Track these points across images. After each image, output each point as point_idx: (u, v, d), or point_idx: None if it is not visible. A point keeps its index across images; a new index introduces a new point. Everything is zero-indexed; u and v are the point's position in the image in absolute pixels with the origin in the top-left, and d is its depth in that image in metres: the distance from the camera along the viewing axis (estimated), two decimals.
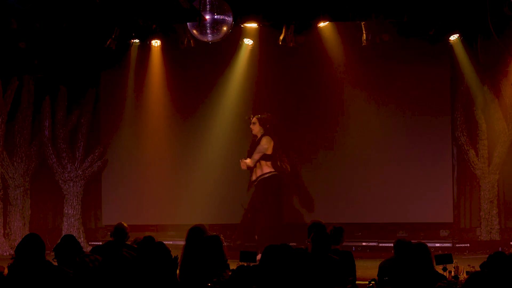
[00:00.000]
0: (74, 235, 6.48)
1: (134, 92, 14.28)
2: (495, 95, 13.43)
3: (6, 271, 6.70)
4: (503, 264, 5.79)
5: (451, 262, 7.32)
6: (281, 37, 12.63)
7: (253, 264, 6.90)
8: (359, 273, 7.48)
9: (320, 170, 13.77)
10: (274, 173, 12.65)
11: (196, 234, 7.26)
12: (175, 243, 11.74)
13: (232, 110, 13.90)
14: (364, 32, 12.43)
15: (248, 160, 12.68)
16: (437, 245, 13.22)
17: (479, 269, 6.28)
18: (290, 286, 5.75)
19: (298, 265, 5.82)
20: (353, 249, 13.12)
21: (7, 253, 13.44)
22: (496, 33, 10.71)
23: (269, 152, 12.66)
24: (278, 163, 12.69)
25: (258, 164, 12.67)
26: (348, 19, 12.32)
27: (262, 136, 12.74)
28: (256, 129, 12.77)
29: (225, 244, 7.78)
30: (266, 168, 12.67)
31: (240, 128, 13.54)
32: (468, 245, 13.40)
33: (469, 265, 7.43)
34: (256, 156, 12.65)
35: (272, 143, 12.69)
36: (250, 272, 5.94)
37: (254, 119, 12.77)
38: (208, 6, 9.38)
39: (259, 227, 12.49)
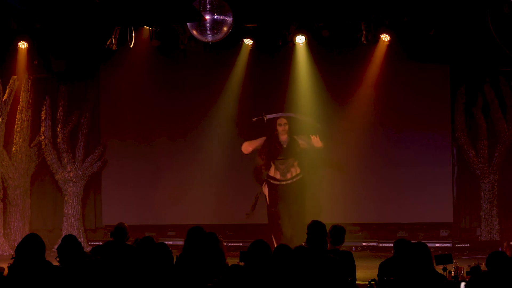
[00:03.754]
0: (74, 235, 6.46)
1: (134, 92, 14.28)
2: (495, 95, 13.44)
3: (6, 271, 6.71)
4: (502, 264, 5.79)
5: (451, 262, 7.33)
6: (282, 37, 12.69)
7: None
8: (359, 273, 7.47)
9: (320, 170, 13.76)
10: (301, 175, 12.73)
11: (196, 234, 7.25)
12: (175, 243, 11.76)
13: (233, 110, 13.90)
14: (364, 32, 12.43)
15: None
16: (437, 245, 13.23)
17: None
18: (287, 285, 5.76)
19: (281, 261, 5.87)
20: (353, 249, 13.12)
21: (7, 253, 13.44)
22: (496, 33, 10.71)
23: None
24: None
25: (295, 163, 12.66)
26: (348, 19, 12.34)
27: (290, 136, 12.70)
28: (287, 129, 12.68)
29: (225, 244, 7.79)
30: (297, 169, 12.71)
31: (242, 127, 13.55)
32: (468, 245, 13.40)
33: (469, 265, 7.45)
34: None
35: None
36: (244, 272, 5.94)
37: (284, 120, 12.67)
38: (208, 6, 9.38)
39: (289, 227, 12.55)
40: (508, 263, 5.82)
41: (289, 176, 12.60)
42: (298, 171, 12.70)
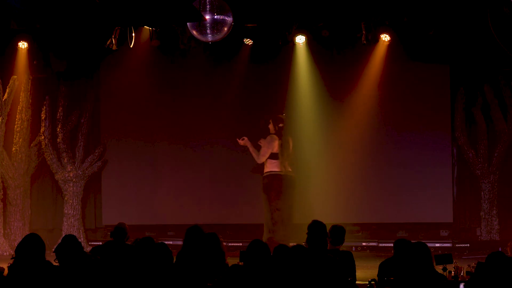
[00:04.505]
0: (74, 235, 6.46)
1: (134, 92, 14.28)
2: (495, 95, 13.44)
3: (6, 271, 6.70)
4: (501, 265, 5.79)
5: (451, 262, 7.32)
6: (282, 37, 12.72)
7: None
8: (359, 273, 7.47)
9: (320, 170, 13.76)
10: (278, 173, 12.72)
11: (195, 233, 7.25)
12: (175, 243, 11.76)
13: (233, 110, 13.90)
14: (364, 32, 12.44)
15: (245, 140, 12.78)
16: (437, 245, 13.22)
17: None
18: (287, 285, 5.76)
19: (280, 261, 5.87)
20: (353, 249, 13.12)
21: (7, 253, 13.44)
22: (496, 33, 10.71)
23: (275, 150, 12.76)
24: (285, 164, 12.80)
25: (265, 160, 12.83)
26: (348, 19, 12.34)
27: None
28: (271, 128, 12.91)
29: (224, 244, 7.79)
30: (271, 167, 12.77)
31: (241, 127, 13.55)
32: (468, 245, 13.40)
33: (469, 265, 7.44)
34: (262, 151, 12.75)
35: (276, 142, 12.78)
36: (244, 272, 5.94)
37: (270, 120, 12.95)
38: (208, 6, 9.38)
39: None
40: (507, 263, 5.82)
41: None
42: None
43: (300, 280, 5.78)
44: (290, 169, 12.86)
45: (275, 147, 12.80)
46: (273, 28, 12.82)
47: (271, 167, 12.78)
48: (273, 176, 12.77)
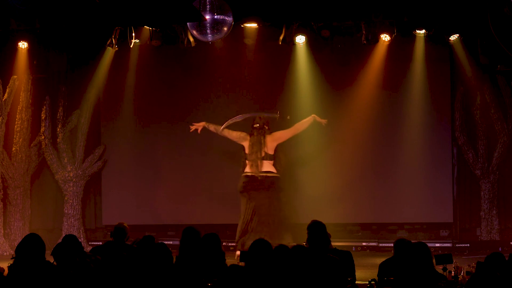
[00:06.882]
0: (74, 235, 6.46)
1: (134, 92, 14.28)
2: (494, 95, 13.44)
3: (6, 271, 6.70)
4: (500, 265, 5.79)
5: (451, 262, 7.31)
6: (281, 37, 12.71)
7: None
8: (359, 273, 7.47)
9: (320, 170, 13.76)
10: (277, 175, 12.60)
11: (191, 234, 7.25)
12: (175, 243, 11.75)
13: (233, 109, 13.89)
14: (364, 32, 12.45)
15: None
16: (437, 245, 13.23)
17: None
18: (287, 284, 5.76)
19: (281, 261, 5.87)
20: (353, 249, 13.13)
21: (7, 253, 13.44)
22: (496, 33, 10.72)
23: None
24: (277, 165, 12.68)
25: (265, 163, 12.63)
26: (348, 19, 12.35)
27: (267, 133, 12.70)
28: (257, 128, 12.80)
29: (224, 244, 7.79)
30: (272, 168, 12.65)
31: (240, 127, 13.54)
32: (468, 245, 13.40)
33: (469, 265, 7.43)
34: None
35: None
36: (244, 272, 5.94)
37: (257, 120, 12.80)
38: (208, 6, 9.38)
39: (269, 227, 12.54)
40: (506, 263, 5.83)
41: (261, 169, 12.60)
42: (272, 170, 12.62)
43: (300, 280, 5.78)
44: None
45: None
46: (273, 28, 12.82)
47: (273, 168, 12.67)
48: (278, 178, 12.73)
